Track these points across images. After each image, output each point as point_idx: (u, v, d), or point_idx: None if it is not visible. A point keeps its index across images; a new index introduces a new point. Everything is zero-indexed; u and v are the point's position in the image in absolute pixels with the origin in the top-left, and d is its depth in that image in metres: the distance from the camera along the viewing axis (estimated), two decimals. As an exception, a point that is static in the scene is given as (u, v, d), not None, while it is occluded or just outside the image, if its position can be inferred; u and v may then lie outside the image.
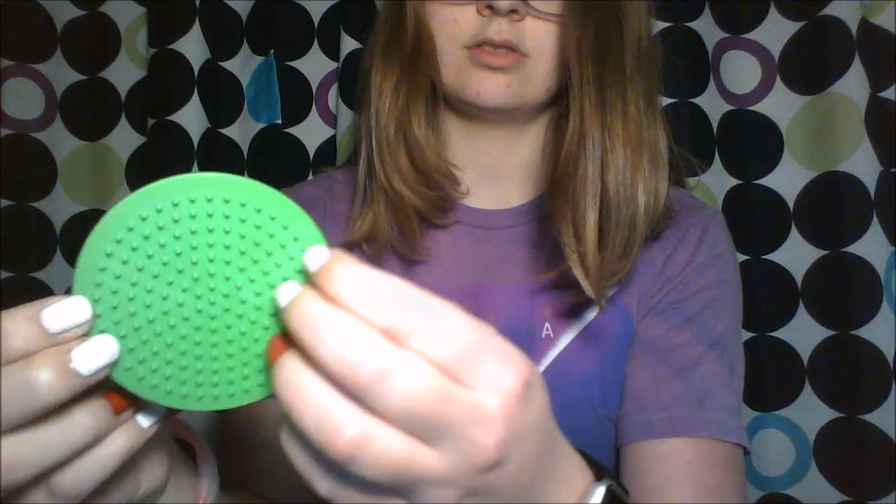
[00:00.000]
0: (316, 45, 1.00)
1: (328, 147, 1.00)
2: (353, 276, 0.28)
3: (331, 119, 1.00)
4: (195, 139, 0.96)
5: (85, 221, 1.03)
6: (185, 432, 0.43)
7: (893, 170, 0.85)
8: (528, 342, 0.62)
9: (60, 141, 1.03)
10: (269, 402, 0.40)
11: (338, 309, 0.27)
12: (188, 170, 0.95)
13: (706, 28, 0.93)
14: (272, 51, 1.00)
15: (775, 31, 0.90)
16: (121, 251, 0.30)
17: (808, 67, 0.88)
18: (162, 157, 0.96)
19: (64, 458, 0.30)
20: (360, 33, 0.94)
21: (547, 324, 0.63)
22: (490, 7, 0.58)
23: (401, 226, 0.63)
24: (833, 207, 0.86)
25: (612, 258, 0.56)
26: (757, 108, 0.91)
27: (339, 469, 0.29)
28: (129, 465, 0.35)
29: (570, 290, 0.59)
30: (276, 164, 0.99)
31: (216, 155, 0.99)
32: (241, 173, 0.30)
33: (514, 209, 0.68)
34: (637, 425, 0.59)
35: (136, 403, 0.33)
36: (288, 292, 0.29)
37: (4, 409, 0.28)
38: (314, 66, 1.00)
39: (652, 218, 0.58)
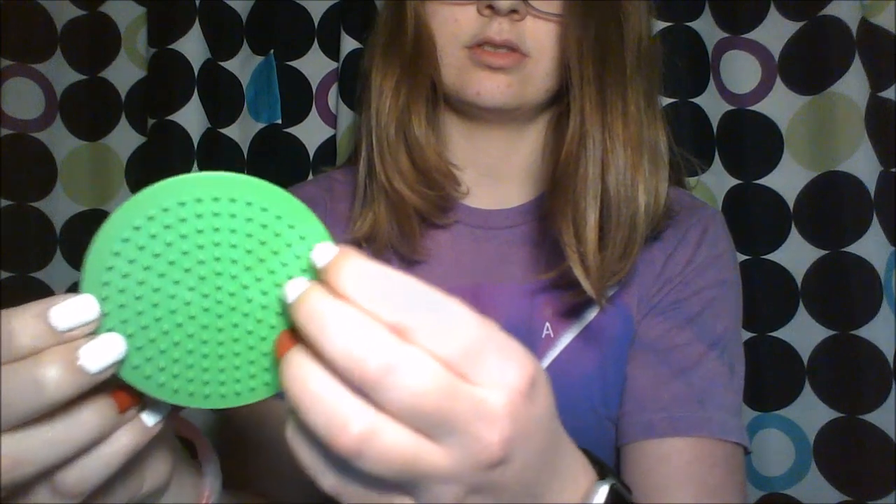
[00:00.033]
0: (316, 45, 1.01)
1: (328, 147, 1.00)
2: (360, 271, 0.28)
3: (331, 119, 1.00)
4: (195, 139, 0.96)
5: (85, 221, 1.03)
6: (189, 431, 0.43)
7: (893, 170, 0.85)
8: (528, 342, 0.62)
9: (60, 141, 1.03)
10: (270, 403, 0.40)
11: (345, 304, 0.27)
12: (188, 170, 0.95)
13: (706, 28, 0.93)
14: (272, 51, 1.00)
15: (775, 31, 0.90)
16: (128, 250, 0.30)
17: (808, 67, 0.88)
18: (162, 157, 0.96)
19: (69, 455, 0.30)
20: (360, 33, 0.94)
21: (547, 324, 0.63)
22: (490, 7, 0.58)
23: (401, 226, 0.63)
24: (833, 207, 0.86)
25: (613, 258, 0.56)
26: (757, 108, 0.91)
27: (344, 465, 0.29)
28: (132, 463, 0.35)
29: (571, 290, 0.59)
30: (276, 164, 0.99)
31: (216, 155, 0.99)
32: (241, 173, 0.30)
33: (514, 209, 0.68)
34: (637, 425, 0.59)
35: (141, 402, 0.33)
36: (295, 288, 0.29)
37: (12, 406, 0.28)
38: (314, 66, 1.00)
39: (652, 218, 0.58)
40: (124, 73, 1.02)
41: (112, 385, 0.31)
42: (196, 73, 0.96)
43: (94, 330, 0.30)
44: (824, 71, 0.86)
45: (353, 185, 0.68)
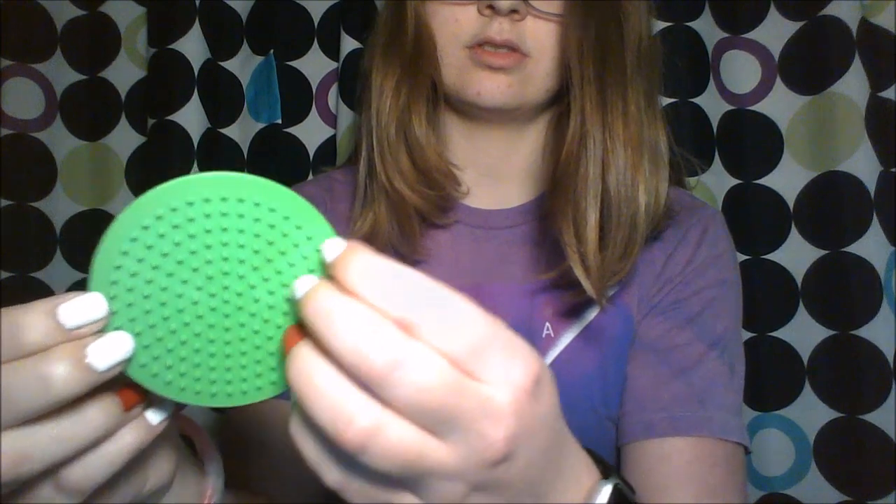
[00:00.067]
0: (316, 45, 1.00)
1: (328, 147, 1.00)
2: (368, 266, 0.28)
3: (331, 119, 1.00)
4: (195, 139, 0.96)
5: (85, 221, 1.03)
6: (192, 430, 0.43)
7: (893, 170, 0.85)
8: (528, 342, 0.62)
9: (60, 141, 1.03)
10: (272, 403, 0.40)
11: (352, 300, 0.27)
12: (188, 170, 0.95)
13: (706, 28, 0.93)
14: (272, 51, 1.00)
15: (775, 31, 0.90)
16: (136, 249, 0.30)
17: (808, 67, 0.88)
18: (162, 157, 0.96)
19: (74, 452, 0.30)
20: (360, 33, 0.94)
21: (547, 323, 0.63)
22: (491, 7, 0.58)
23: (401, 225, 0.63)
24: (833, 207, 0.86)
25: (613, 258, 0.56)
26: (757, 108, 0.91)
27: (348, 460, 0.29)
28: (136, 461, 0.35)
29: (571, 290, 0.59)
30: (276, 164, 0.99)
31: (216, 155, 0.99)
32: (248, 174, 0.30)
33: (514, 209, 0.68)
34: (638, 425, 0.60)
35: (146, 400, 0.33)
36: (304, 284, 0.29)
37: (19, 402, 0.28)
38: (314, 66, 1.00)
39: (652, 218, 0.58)
40: (124, 73, 1.02)
41: (117, 383, 0.31)
42: (196, 73, 0.96)
43: (101, 328, 0.30)
44: (824, 71, 0.86)
45: (354, 185, 0.69)
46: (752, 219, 0.91)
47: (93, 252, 0.30)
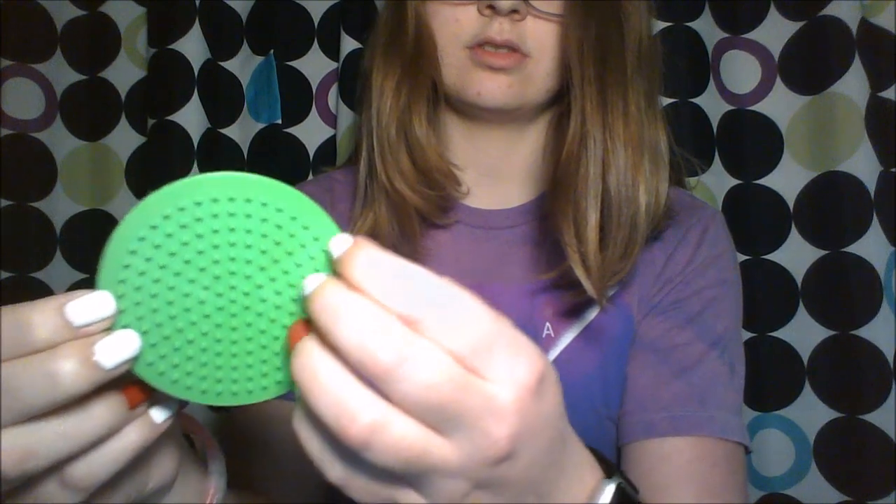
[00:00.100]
0: (316, 45, 1.01)
1: (328, 147, 1.00)
2: (374, 261, 0.28)
3: (331, 119, 1.00)
4: (195, 139, 0.96)
5: (85, 221, 1.03)
6: (195, 429, 0.43)
7: (893, 170, 0.85)
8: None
9: (60, 141, 1.03)
10: (275, 404, 0.40)
11: (358, 295, 0.27)
12: (188, 170, 0.95)
13: (706, 28, 0.93)
14: (272, 51, 1.00)
15: (775, 31, 0.90)
16: (144, 249, 0.30)
17: (808, 67, 0.88)
18: (162, 158, 0.96)
19: (79, 449, 0.31)
20: (360, 33, 0.94)
21: (548, 323, 0.63)
22: (491, 7, 0.58)
23: (402, 226, 0.63)
24: (833, 207, 0.86)
25: (614, 258, 0.56)
26: (757, 108, 0.91)
27: (351, 456, 0.29)
28: (139, 459, 0.35)
29: (571, 290, 0.59)
30: (276, 164, 0.99)
31: (216, 155, 0.99)
32: (255, 174, 0.30)
33: (514, 209, 0.68)
34: (638, 424, 0.60)
35: (151, 399, 0.33)
36: (313, 281, 0.29)
37: (27, 398, 0.28)
38: (314, 66, 1.00)
39: (653, 218, 0.58)
40: (124, 73, 1.02)
41: (122, 381, 0.31)
42: (196, 73, 0.96)
43: (109, 326, 0.30)
44: (824, 71, 0.86)
45: (354, 185, 0.69)
46: (752, 219, 0.91)
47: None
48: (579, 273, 0.56)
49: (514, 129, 0.67)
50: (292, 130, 1.00)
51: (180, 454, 0.40)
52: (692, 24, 0.93)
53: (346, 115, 0.96)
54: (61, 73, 1.03)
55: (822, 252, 0.87)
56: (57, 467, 0.31)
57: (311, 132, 1.00)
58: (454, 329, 0.27)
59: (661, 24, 0.92)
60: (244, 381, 0.34)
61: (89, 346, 0.29)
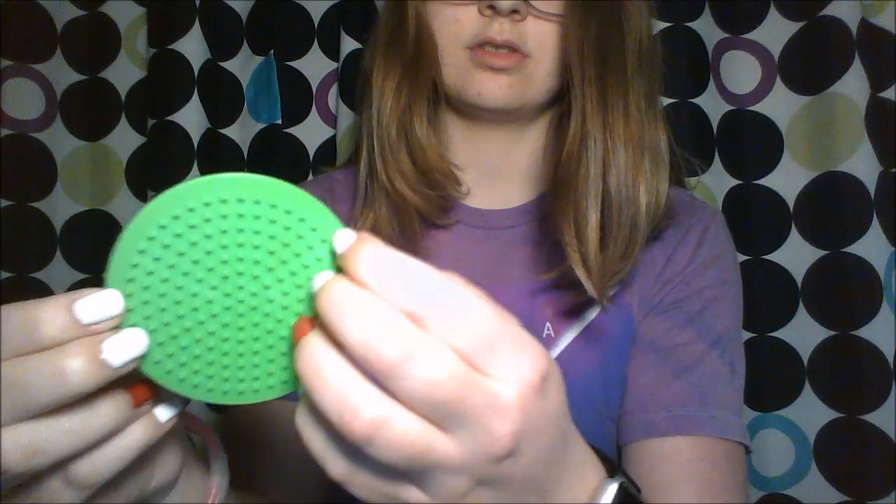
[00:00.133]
0: (316, 45, 1.01)
1: (328, 147, 1.00)
2: (378, 257, 0.28)
3: (331, 119, 1.00)
4: (195, 139, 0.96)
5: (85, 221, 1.03)
6: (199, 428, 0.43)
7: (893, 170, 0.86)
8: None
9: (60, 141, 1.03)
10: (277, 404, 0.40)
11: (364, 291, 0.28)
12: (188, 170, 0.95)
13: (706, 28, 0.93)
14: (272, 51, 1.00)
15: (775, 31, 0.90)
16: (153, 248, 0.30)
17: (808, 67, 0.88)
18: (162, 158, 0.96)
19: (84, 446, 0.31)
20: (360, 33, 0.95)
21: (548, 323, 0.63)
22: (492, 7, 0.58)
23: (402, 226, 0.63)
24: (833, 207, 0.86)
25: (614, 258, 0.56)
26: (757, 108, 0.91)
27: (353, 452, 0.29)
28: (143, 457, 0.35)
29: (572, 290, 0.59)
30: (276, 164, 0.99)
31: (216, 155, 0.99)
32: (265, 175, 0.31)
33: (514, 209, 0.68)
34: (639, 424, 0.60)
35: (155, 397, 0.34)
36: (322, 278, 0.30)
37: (34, 395, 0.28)
38: (314, 66, 1.00)
39: (653, 218, 0.59)
40: (124, 73, 1.02)
41: (128, 379, 0.32)
42: (196, 74, 0.96)
43: (117, 324, 0.30)
44: (824, 71, 0.86)
45: (354, 185, 0.69)
46: (752, 219, 0.91)
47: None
48: (580, 273, 0.56)
49: (515, 130, 0.67)
50: (292, 130, 1.00)
51: (183, 453, 0.40)
52: (692, 24, 0.93)
53: (346, 115, 0.96)
54: (61, 73, 1.03)
55: (822, 252, 0.87)
56: (61, 464, 0.31)
57: (311, 132, 1.00)
58: (458, 326, 0.27)
59: (661, 24, 0.92)
60: (250, 381, 0.34)
61: (97, 344, 0.29)
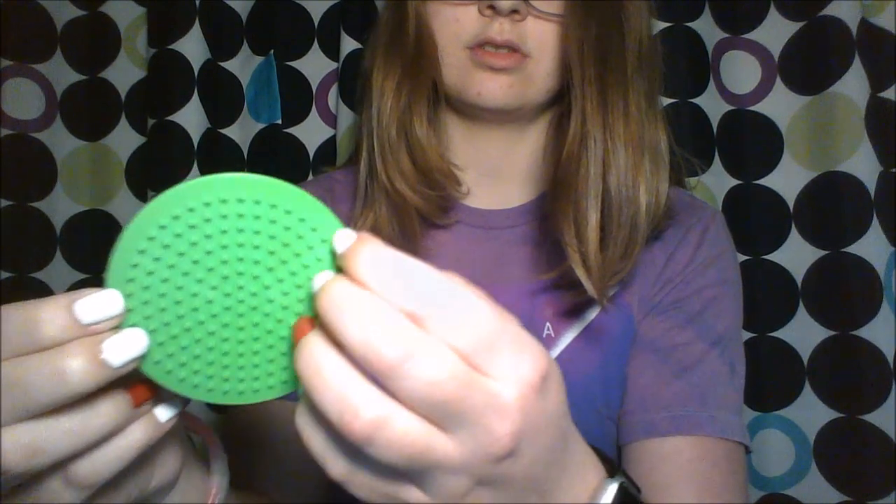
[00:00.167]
0: (316, 45, 1.01)
1: (328, 147, 1.00)
2: (377, 257, 0.28)
3: (331, 119, 1.00)
4: (195, 139, 0.96)
5: (85, 221, 1.03)
6: (199, 428, 0.43)
7: (893, 170, 0.86)
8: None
9: (60, 141, 1.03)
10: (277, 404, 0.40)
11: (364, 291, 0.28)
12: (188, 170, 0.95)
13: (706, 28, 0.93)
14: (272, 51, 1.00)
15: (775, 31, 0.90)
16: (153, 248, 0.30)
17: (808, 67, 0.88)
18: (162, 158, 0.96)
19: (85, 446, 0.31)
20: (360, 33, 0.95)
21: (548, 323, 0.63)
22: (492, 7, 0.58)
23: (402, 226, 0.63)
24: (833, 207, 0.86)
25: (614, 258, 0.56)
26: (757, 108, 0.91)
27: (353, 452, 0.29)
28: (142, 458, 0.35)
29: (572, 290, 0.59)
30: (276, 164, 0.99)
31: (216, 155, 0.99)
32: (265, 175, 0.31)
33: (514, 209, 0.68)
34: (639, 424, 0.60)
35: (155, 397, 0.34)
36: (322, 278, 0.30)
37: (35, 395, 0.28)
38: (314, 66, 1.00)
39: (653, 218, 0.59)
40: (124, 73, 1.02)
41: (128, 379, 0.32)
42: (196, 74, 0.96)
43: (117, 324, 0.30)
44: (824, 71, 0.86)
45: (354, 185, 0.69)
46: (752, 219, 0.91)
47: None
48: (580, 273, 0.56)
49: (515, 130, 0.67)
50: (292, 130, 1.00)
51: (183, 453, 0.40)
52: (692, 24, 0.93)
53: (346, 115, 0.96)
54: (61, 73, 1.03)
55: (822, 252, 0.87)
56: (61, 464, 0.31)
57: (311, 132, 1.00)
58: (458, 326, 0.27)
59: (661, 24, 0.92)
60: (250, 381, 0.34)
61: (97, 344, 0.29)
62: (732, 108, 0.92)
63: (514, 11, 0.58)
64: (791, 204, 0.89)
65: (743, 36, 0.92)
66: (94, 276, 1.02)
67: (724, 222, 0.69)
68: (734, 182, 0.92)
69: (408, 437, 0.27)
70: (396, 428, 0.27)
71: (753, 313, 0.89)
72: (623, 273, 0.58)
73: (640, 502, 0.38)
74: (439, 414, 0.27)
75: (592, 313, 0.63)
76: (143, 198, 1.00)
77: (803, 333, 0.88)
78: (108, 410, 0.31)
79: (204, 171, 0.96)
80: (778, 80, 0.90)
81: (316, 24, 1.00)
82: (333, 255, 0.31)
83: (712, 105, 0.93)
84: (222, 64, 1.01)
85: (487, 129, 0.67)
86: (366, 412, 0.27)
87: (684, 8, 0.92)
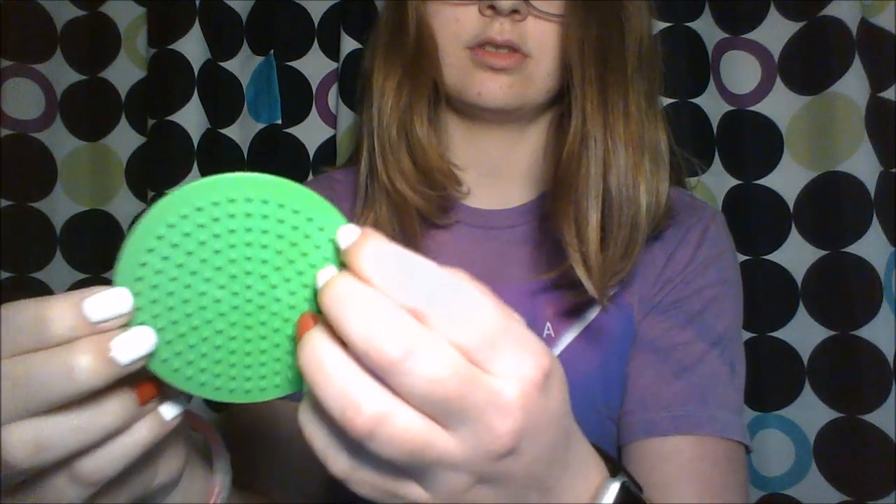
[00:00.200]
0: (316, 45, 1.01)
1: (328, 147, 1.00)
2: (380, 253, 0.28)
3: (331, 119, 1.00)
4: (195, 139, 0.96)
5: (85, 221, 1.03)
6: (202, 427, 0.44)
7: (893, 170, 0.86)
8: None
9: (60, 141, 1.03)
10: (278, 404, 0.40)
11: (367, 287, 0.28)
12: (188, 170, 0.95)
13: (706, 28, 0.93)
14: (272, 51, 1.00)
15: (775, 31, 0.90)
16: (162, 247, 0.31)
17: (808, 67, 0.88)
18: (162, 158, 0.96)
19: (91, 443, 0.31)
20: (360, 33, 0.95)
21: (548, 323, 0.63)
22: (492, 7, 0.59)
23: (402, 226, 0.63)
24: (833, 207, 0.86)
25: (615, 258, 0.56)
26: (757, 108, 0.91)
27: (355, 449, 0.29)
28: (147, 456, 0.35)
29: (572, 290, 0.59)
30: (276, 164, 0.99)
31: (216, 155, 0.99)
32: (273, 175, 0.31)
33: (515, 209, 0.68)
34: (639, 424, 0.60)
35: (160, 396, 0.34)
36: (326, 274, 0.30)
37: (43, 391, 0.28)
38: (314, 66, 1.00)
39: (653, 218, 0.59)
40: (124, 73, 1.02)
41: (134, 377, 0.32)
42: (196, 74, 0.96)
43: (126, 322, 0.30)
44: (824, 71, 0.86)
45: (354, 185, 0.69)
46: (752, 219, 0.91)
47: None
48: (580, 273, 0.56)
49: (515, 130, 0.67)
50: (292, 130, 1.00)
51: (187, 452, 0.40)
52: (692, 24, 0.93)
53: (346, 115, 0.96)
54: (61, 73, 1.03)
55: (822, 252, 0.87)
56: (66, 461, 0.31)
57: (311, 132, 1.00)
58: (461, 323, 0.28)
59: (661, 24, 0.92)
60: (257, 379, 0.34)
61: (106, 341, 0.29)
62: (732, 108, 0.92)
63: (515, 11, 0.58)
64: (791, 204, 0.89)
65: (743, 36, 0.92)
66: (93, 276, 1.02)
67: (724, 222, 0.69)
68: (734, 182, 0.92)
69: (409, 434, 0.27)
70: (398, 424, 0.27)
71: (753, 313, 0.89)
72: (623, 273, 0.58)
73: (642, 502, 0.38)
74: (440, 411, 0.27)
75: (593, 313, 0.63)
76: (143, 198, 1.00)
77: (803, 333, 0.88)
78: (114, 408, 0.31)
79: (204, 171, 0.96)
80: (778, 80, 0.90)
81: (316, 24, 1.00)
82: (338, 251, 0.31)
83: (712, 105, 0.93)
84: (222, 64, 1.01)
85: (488, 129, 0.67)
86: (367, 408, 0.27)
87: (684, 8, 0.92)
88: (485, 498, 0.31)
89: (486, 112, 0.63)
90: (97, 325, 0.29)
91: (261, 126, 1.01)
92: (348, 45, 0.95)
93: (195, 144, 0.96)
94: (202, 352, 0.33)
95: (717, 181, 0.93)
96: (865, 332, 0.84)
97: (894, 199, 0.85)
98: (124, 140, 1.02)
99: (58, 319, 0.29)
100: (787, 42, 0.89)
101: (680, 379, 0.60)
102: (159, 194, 0.94)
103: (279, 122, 0.99)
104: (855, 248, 0.84)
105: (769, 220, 0.90)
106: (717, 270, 0.65)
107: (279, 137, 1.00)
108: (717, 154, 0.93)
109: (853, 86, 0.84)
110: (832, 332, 0.86)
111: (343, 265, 0.31)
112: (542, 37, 0.60)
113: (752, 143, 0.91)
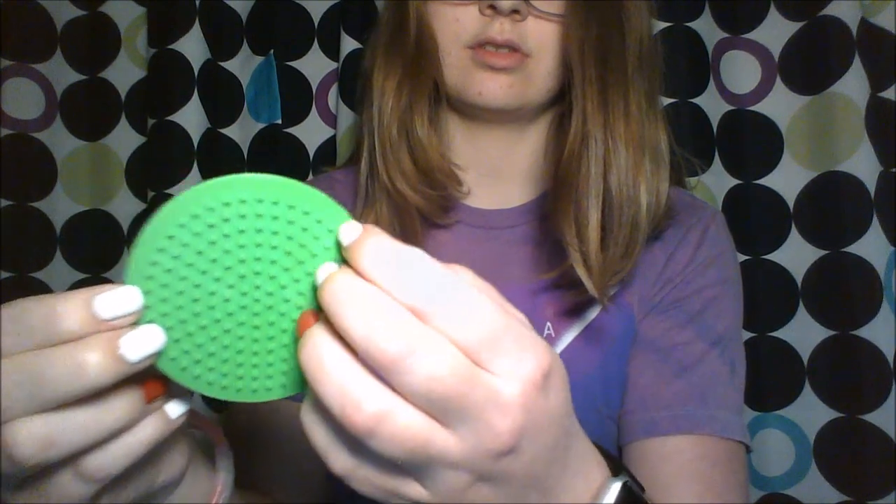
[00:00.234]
0: (316, 45, 1.01)
1: (328, 147, 1.00)
2: (382, 250, 0.28)
3: (331, 119, 1.00)
4: (195, 139, 0.96)
5: (85, 221, 1.03)
6: (206, 426, 0.44)
7: (893, 170, 0.86)
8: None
9: (60, 141, 1.03)
10: (280, 404, 0.40)
11: (367, 285, 0.28)
12: (188, 170, 0.95)
13: (706, 28, 0.93)
14: (272, 51, 1.00)
15: (775, 31, 0.90)
16: (172, 247, 0.31)
17: (808, 67, 0.88)
18: (162, 158, 0.96)
19: (97, 440, 0.31)
20: (360, 33, 0.95)
21: (548, 323, 0.63)
22: (492, 7, 0.59)
23: (403, 225, 0.63)
24: (833, 207, 0.86)
25: (615, 257, 0.56)
26: (757, 108, 0.91)
27: (355, 446, 0.29)
28: (151, 454, 0.35)
29: (572, 290, 0.59)
30: (276, 164, 0.99)
31: (216, 155, 0.99)
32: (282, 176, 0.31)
33: (515, 209, 0.68)
34: (640, 423, 0.60)
35: (166, 394, 0.34)
36: (325, 270, 0.30)
37: (52, 388, 0.29)
38: (314, 66, 1.00)
39: (653, 217, 0.59)
40: (124, 73, 1.02)
41: (141, 375, 0.32)
42: (196, 73, 0.96)
43: (135, 321, 0.31)
44: (824, 71, 0.86)
45: (354, 185, 0.69)
46: (752, 219, 0.91)
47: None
48: (581, 272, 0.56)
49: (515, 129, 0.67)
50: (292, 130, 1.00)
51: (190, 450, 0.40)
52: (692, 24, 0.93)
53: (346, 115, 0.96)
54: (61, 73, 1.03)
55: (822, 252, 0.87)
56: (72, 458, 0.31)
57: (311, 132, 1.00)
58: (461, 321, 0.28)
59: (661, 24, 0.92)
60: (264, 379, 0.35)
61: (115, 339, 0.29)
62: (732, 107, 0.92)
63: (515, 11, 0.58)
64: (791, 204, 0.89)
65: (743, 36, 0.92)
66: (93, 276, 1.02)
67: (724, 222, 0.69)
68: (734, 182, 0.92)
69: (409, 431, 0.27)
70: (398, 422, 0.27)
71: (753, 313, 0.89)
72: (624, 272, 0.58)
73: (644, 501, 0.38)
74: (440, 409, 0.27)
75: (593, 313, 0.63)
76: (143, 198, 1.00)
77: (803, 333, 0.88)
78: (121, 406, 0.31)
79: (204, 170, 0.96)
80: (778, 80, 0.90)
81: (316, 24, 1.00)
82: (340, 248, 0.32)
83: (712, 105, 0.93)
84: (222, 64, 1.01)
85: (488, 129, 0.67)
86: (368, 405, 0.27)
87: (684, 8, 0.93)
88: (485, 497, 0.31)
89: (486, 112, 0.63)
90: (107, 323, 0.29)
91: (261, 126, 1.01)
92: (348, 45, 0.95)
93: (195, 144, 0.96)
94: (210, 351, 0.33)
95: (717, 181, 0.93)
96: (865, 332, 0.84)
97: (894, 199, 0.85)
98: (124, 140, 1.02)
99: (68, 316, 0.29)
100: (787, 42, 0.90)
101: (680, 379, 0.60)
102: (159, 194, 0.95)
103: (279, 121, 0.99)
104: (855, 248, 0.84)
105: (769, 219, 0.90)
106: (717, 270, 0.65)
107: (279, 137, 1.00)
108: (717, 154, 0.93)
109: (853, 86, 0.84)
110: (832, 332, 0.86)
111: (344, 259, 0.31)
112: (542, 37, 0.60)
113: (752, 143, 0.91)
